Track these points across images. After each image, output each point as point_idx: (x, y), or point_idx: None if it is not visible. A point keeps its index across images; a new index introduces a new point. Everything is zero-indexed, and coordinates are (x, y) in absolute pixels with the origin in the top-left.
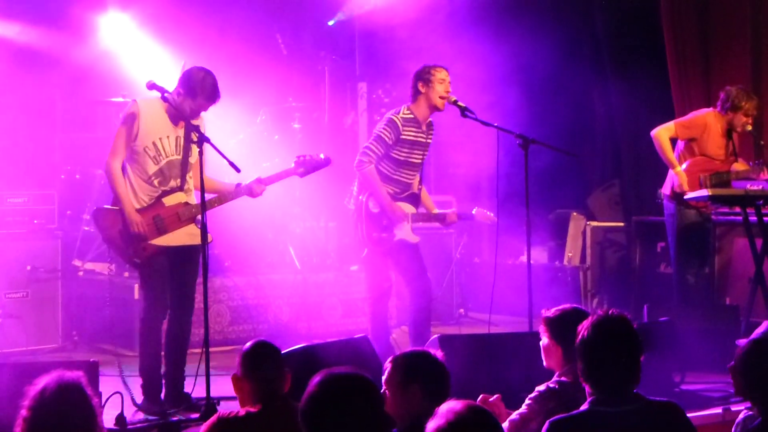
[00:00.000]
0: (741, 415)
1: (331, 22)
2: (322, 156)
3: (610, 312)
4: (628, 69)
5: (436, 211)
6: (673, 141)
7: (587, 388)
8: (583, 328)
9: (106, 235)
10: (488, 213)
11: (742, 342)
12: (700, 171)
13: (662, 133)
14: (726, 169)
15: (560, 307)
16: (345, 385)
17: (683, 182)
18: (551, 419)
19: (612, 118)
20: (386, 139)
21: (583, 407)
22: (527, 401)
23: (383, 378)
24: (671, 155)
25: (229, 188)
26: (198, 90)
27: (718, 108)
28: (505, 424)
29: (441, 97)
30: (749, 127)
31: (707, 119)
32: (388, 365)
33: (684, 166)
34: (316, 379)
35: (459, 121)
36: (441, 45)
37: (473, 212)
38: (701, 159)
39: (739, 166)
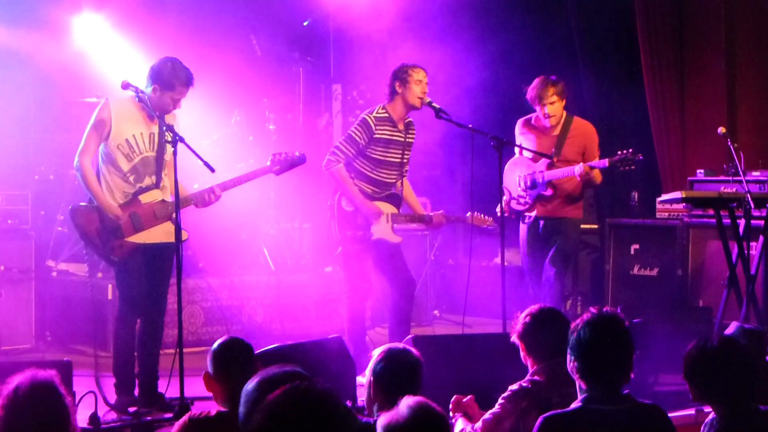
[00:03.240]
0: (709, 417)
1: (305, 23)
2: (297, 153)
3: (604, 310)
4: (601, 70)
5: (422, 212)
6: None
7: (580, 385)
8: (578, 327)
9: (82, 232)
10: (485, 217)
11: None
12: None
13: None
14: None
15: (529, 311)
16: (282, 384)
17: None
18: (545, 415)
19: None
20: (357, 138)
21: (576, 404)
22: (500, 401)
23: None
24: None
25: (186, 194)
26: (173, 80)
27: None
28: (478, 424)
29: (417, 98)
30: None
31: None
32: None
33: None
34: (254, 380)
35: (434, 123)
36: (415, 47)
37: (467, 215)
38: None
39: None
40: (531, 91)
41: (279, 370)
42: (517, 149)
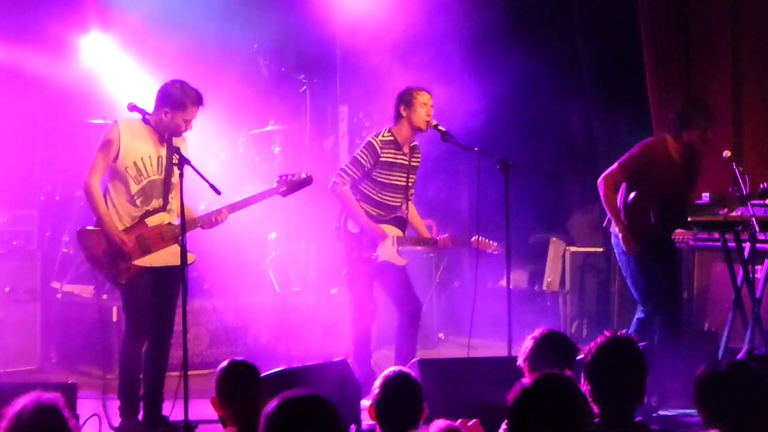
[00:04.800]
0: None
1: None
2: (304, 175)
3: (618, 334)
4: (608, 93)
5: (427, 235)
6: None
7: (595, 410)
8: (591, 350)
9: (90, 255)
10: (491, 242)
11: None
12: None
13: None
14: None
15: (532, 335)
16: (302, 408)
17: None
18: None
19: (592, 142)
20: (362, 161)
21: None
22: (503, 426)
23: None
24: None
25: (193, 216)
26: (184, 100)
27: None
28: None
29: (423, 120)
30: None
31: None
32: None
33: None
34: (274, 402)
35: (440, 145)
36: (422, 69)
37: (472, 240)
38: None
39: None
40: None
41: (299, 392)
42: None
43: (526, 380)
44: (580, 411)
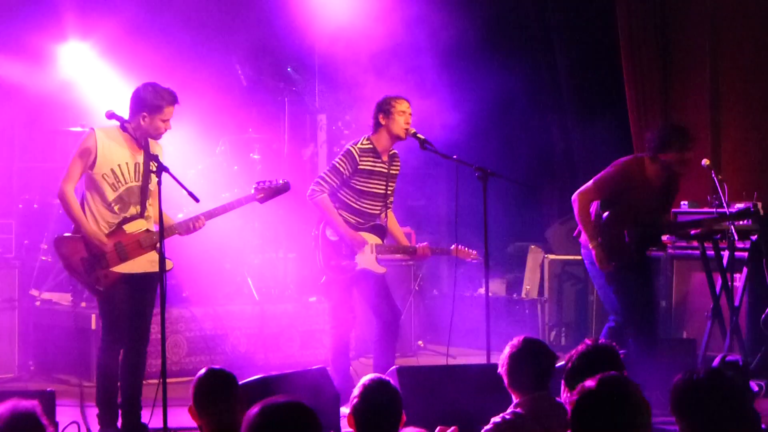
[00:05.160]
0: None
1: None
2: (281, 181)
3: (598, 342)
4: (587, 103)
5: (406, 243)
6: None
7: None
8: (572, 357)
9: (67, 263)
10: (470, 251)
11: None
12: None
13: None
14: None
15: (511, 343)
16: (284, 414)
17: None
18: None
19: (571, 151)
20: (341, 169)
21: None
22: None
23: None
24: None
25: (170, 223)
26: (159, 101)
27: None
28: None
29: (402, 129)
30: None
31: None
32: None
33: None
34: (255, 409)
35: (419, 154)
36: (400, 79)
37: (451, 248)
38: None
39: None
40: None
41: (282, 399)
42: None
43: (590, 382)
44: (641, 411)
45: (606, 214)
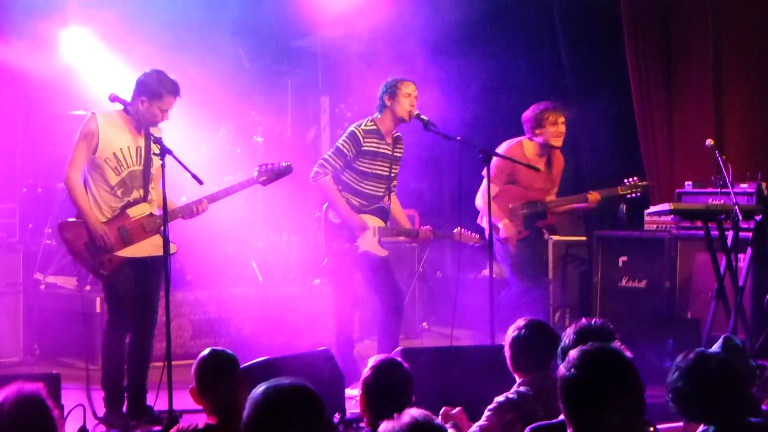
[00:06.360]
0: (700, 428)
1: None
2: (284, 164)
3: (593, 321)
4: (591, 87)
5: (409, 226)
6: None
7: None
8: (567, 335)
9: (71, 247)
10: (473, 235)
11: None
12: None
13: None
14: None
15: (516, 324)
16: (288, 396)
17: None
18: (530, 427)
19: (574, 135)
20: (345, 151)
21: (563, 417)
22: (486, 412)
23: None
24: None
25: (173, 206)
26: (160, 89)
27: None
28: None
29: (406, 111)
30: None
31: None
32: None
33: None
34: (260, 390)
35: (422, 136)
36: (403, 61)
37: (454, 232)
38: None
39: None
40: (543, 112)
41: (286, 381)
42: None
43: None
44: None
45: (496, 191)
